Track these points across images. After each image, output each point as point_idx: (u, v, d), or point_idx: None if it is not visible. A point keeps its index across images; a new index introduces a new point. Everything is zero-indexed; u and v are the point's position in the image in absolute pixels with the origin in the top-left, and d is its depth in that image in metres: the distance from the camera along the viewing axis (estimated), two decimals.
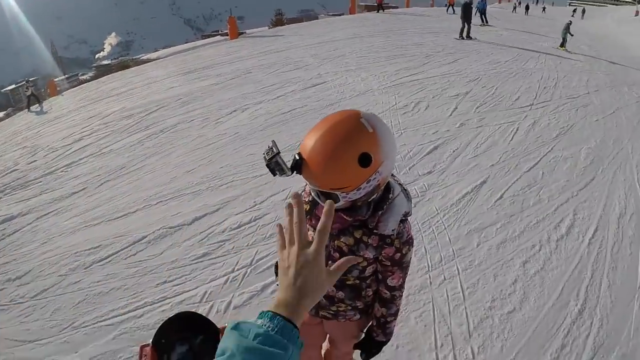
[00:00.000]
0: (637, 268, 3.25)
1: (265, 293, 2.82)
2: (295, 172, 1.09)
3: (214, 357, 0.56)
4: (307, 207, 1.34)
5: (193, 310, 2.56)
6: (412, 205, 1.31)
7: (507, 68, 9.56)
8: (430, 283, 2.93)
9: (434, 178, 4.43)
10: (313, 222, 1.34)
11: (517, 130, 5.84)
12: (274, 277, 2.91)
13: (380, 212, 1.20)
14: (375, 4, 21.44)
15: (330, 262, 1.28)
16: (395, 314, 1.43)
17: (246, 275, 3.00)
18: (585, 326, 2.66)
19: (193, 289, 2.87)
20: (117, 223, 3.81)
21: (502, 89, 7.77)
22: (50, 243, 3.65)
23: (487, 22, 17.35)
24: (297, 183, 4.18)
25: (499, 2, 38.11)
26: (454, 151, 5.07)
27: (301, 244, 0.66)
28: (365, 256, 1.27)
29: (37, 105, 10.83)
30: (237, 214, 3.78)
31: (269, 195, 4.09)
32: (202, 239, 3.43)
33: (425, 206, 3.90)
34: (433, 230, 3.54)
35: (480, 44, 12.75)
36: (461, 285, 2.91)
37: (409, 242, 1.29)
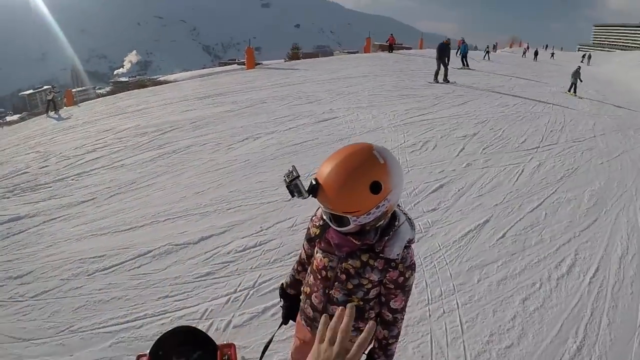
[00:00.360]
0: (637, 307, 3.25)
1: (265, 315, 2.84)
2: (311, 195, 1.21)
3: None
4: (317, 231, 1.47)
5: (193, 325, 2.60)
6: (415, 234, 1.42)
7: (515, 111, 9.73)
8: (430, 315, 2.94)
9: (438, 215, 4.48)
10: (322, 245, 1.45)
11: (522, 171, 5.90)
12: (275, 301, 2.95)
13: (386, 238, 1.31)
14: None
15: (337, 283, 1.41)
16: (397, 337, 1.49)
17: (248, 297, 3.03)
18: None
19: (194, 306, 2.91)
20: (123, 235, 3.89)
21: (509, 132, 7.88)
22: (55, 247, 3.73)
23: (467, 65, 17.34)
24: (304, 213, 4.30)
25: (510, 47, 39.01)
26: (459, 190, 5.13)
27: (340, 351, 0.74)
28: (371, 279, 1.37)
29: (54, 112, 11.10)
30: (243, 238, 3.85)
31: (276, 222, 4.16)
32: (207, 259, 3.49)
33: (428, 242, 3.93)
34: (435, 265, 3.57)
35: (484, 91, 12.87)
36: (460, 319, 2.91)
37: (412, 267, 1.38)
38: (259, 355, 2.45)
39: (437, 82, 12.90)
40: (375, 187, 1.15)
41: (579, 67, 14.42)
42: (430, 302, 3.08)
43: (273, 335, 1.78)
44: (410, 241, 1.37)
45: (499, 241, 4.04)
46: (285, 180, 1.21)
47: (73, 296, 3.03)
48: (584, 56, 18.05)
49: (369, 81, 12.39)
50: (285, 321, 1.81)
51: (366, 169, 1.17)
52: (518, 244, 4.02)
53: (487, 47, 25.61)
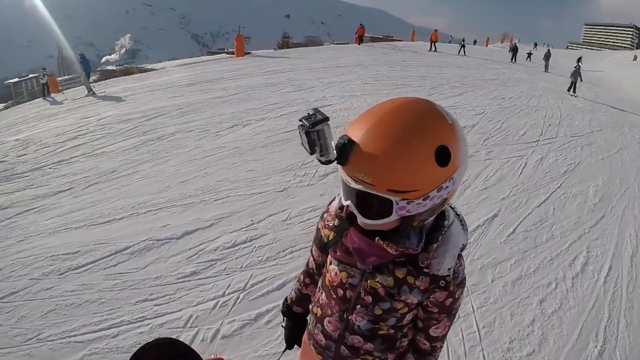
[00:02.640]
0: None
1: (259, 323, 2.49)
2: (338, 160, 0.78)
3: None
4: (330, 234, 1.03)
5: (175, 336, 2.26)
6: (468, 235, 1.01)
7: (511, 104, 9.64)
8: None
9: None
10: (338, 253, 1.04)
11: (525, 164, 5.74)
12: (270, 306, 2.62)
13: (435, 245, 0.91)
14: (381, 37, 22.30)
15: (359, 306, 0.96)
16: None
17: (238, 301, 2.67)
18: None
19: (177, 311, 2.54)
20: (100, 229, 3.51)
21: (508, 124, 7.76)
22: (26, 242, 3.34)
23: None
24: (300, 205, 3.99)
25: (502, 42, 38.61)
26: (463, 182, 4.86)
27: None
28: (408, 301, 0.98)
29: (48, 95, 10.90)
30: (231, 232, 3.48)
31: (268, 214, 3.81)
32: (192, 256, 3.12)
33: None
34: None
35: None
36: (477, 325, 2.63)
37: (463, 284, 1.00)
38: None
39: None
40: (443, 155, 0.76)
41: (579, 66, 14.01)
42: None
43: None
44: (463, 248, 0.96)
45: (509, 237, 3.80)
46: (303, 125, 0.77)
47: (43, 298, 2.65)
48: (579, 60, 17.21)
49: (362, 70, 12.18)
50: (289, 345, 1.42)
51: (431, 126, 0.78)
52: (529, 240, 3.78)
53: (463, 41, 22.95)
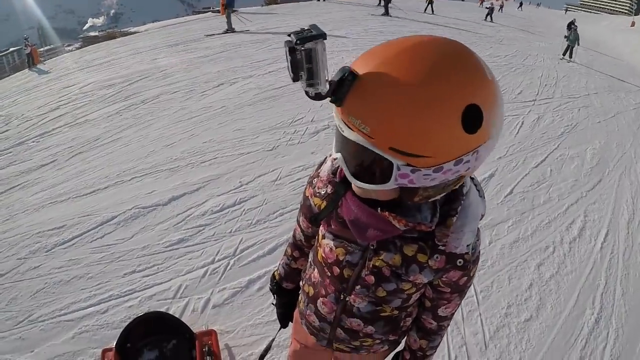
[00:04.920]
0: None
1: (250, 290, 2.40)
2: (332, 96, 0.59)
3: None
4: (322, 203, 0.86)
5: (164, 308, 2.17)
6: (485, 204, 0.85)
7: (507, 62, 9.49)
8: None
9: None
10: (333, 226, 0.88)
11: (522, 124, 5.66)
12: (261, 272, 2.53)
13: (454, 217, 0.75)
14: None
15: (358, 286, 0.90)
16: (437, 347, 1.03)
17: (228, 268, 2.57)
18: (602, 337, 2.45)
19: (166, 282, 2.44)
20: (85, 200, 3.34)
21: (504, 82, 7.64)
22: (12, 221, 3.15)
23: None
24: (290, 163, 3.83)
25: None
26: None
27: None
28: (417, 281, 0.84)
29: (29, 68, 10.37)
30: (219, 195, 3.35)
31: (257, 175, 3.67)
32: (179, 223, 2.99)
33: None
34: None
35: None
36: (474, 288, 2.58)
37: (478, 259, 0.86)
38: (244, 342, 2.07)
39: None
40: (473, 118, 0.57)
41: (575, 26, 12.47)
42: None
43: (271, 342, 1.32)
44: (481, 218, 0.81)
45: (507, 198, 3.75)
46: (289, 40, 0.60)
47: (31, 278, 2.52)
48: (570, 25, 13.41)
49: (352, 25, 11.84)
50: (284, 324, 1.30)
51: (466, 77, 0.58)
52: (527, 202, 3.73)
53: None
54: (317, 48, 0.58)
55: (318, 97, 0.60)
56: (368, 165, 0.64)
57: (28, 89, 7.50)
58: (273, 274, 1.27)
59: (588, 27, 28.53)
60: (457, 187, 0.69)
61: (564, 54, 11.85)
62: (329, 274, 0.93)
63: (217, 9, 19.12)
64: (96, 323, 2.19)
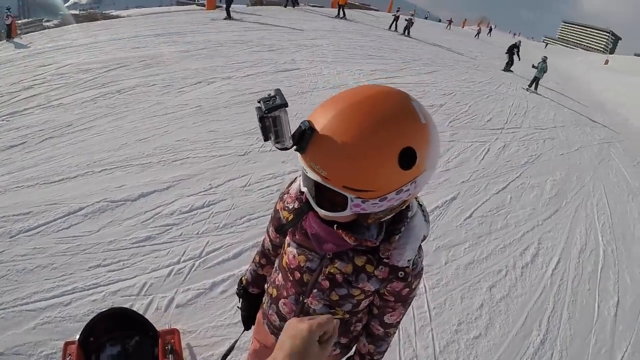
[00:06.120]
0: (594, 304, 3.29)
1: (214, 292, 2.45)
2: (296, 147, 0.73)
3: None
4: (290, 216, 1.01)
5: (129, 304, 2.19)
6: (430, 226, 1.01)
7: (480, 88, 9.81)
8: None
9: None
10: (297, 237, 1.02)
11: (488, 150, 5.88)
12: (225, 275, 2.59)
13: (397, 237, 0.89)
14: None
15: (315, 290, 1.03)
16: (384, 352, 1.16)
17: (193, 269, 2.61)
18: (547, 357, 2.64)
19: (131, 278, 2.45)
20: (53, 188, 3.28)
21: (476, 108, 7.90)
22: None
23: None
24: (260, 170, 3.88)
25: (478, 26, 37.93)
26: None
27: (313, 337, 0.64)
28: (365, 289, 0.98)
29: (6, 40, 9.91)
30: (189, 196, 3.37)
31: (227, 179, 3.71)
32: (147, 220, 2.99)
33: None
34: None
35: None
36: (428, 305, 2.72)
37: (420, 275, 1.01)
38: (206, 342, 2.12)
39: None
40: (407, 158, 0.70)
41: (545, 57, 12.82)
42: None
43: (234, 343, 1.39)
44: (424, 239, 0.97)
45: (466, 221, 3.92)
46: (259, 108, 0.71)
47: None
48: (513, 49, 14.96)
49: (334, 36, 12.02)
50: (247, 326, 1.41)
51: (400, 124, 0.71)
52: (484, 226, 3.92)
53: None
54: (281, 115, 0.71)
55: (284, 149, 0.74)
56: (328, 198, 0.78)
57: (1, 62, 7.23)
58: (240, 278, 1.38)
59: (564, 62, 29.85)
60: (403, 208, 0.84)
61: (529, 85, 12.18)
62: (291, 278, 1.06)
63: (202, 2, 18.91)
64: (59, 315, 2.18)
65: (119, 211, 3.05)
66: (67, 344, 1.86)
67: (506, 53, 15.21)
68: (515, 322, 2.82)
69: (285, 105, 0.70)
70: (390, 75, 8.86)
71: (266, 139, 0.73)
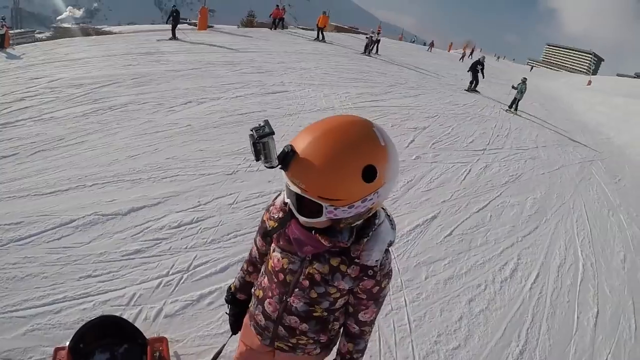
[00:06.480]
0: (573, 315, 3.43)
1: (201, 304, 2.53)
2: (280, 166, 0.92)
3: None
4: (275, 224, 1.18)
5: (118, 314, 2.25)
6: (396, 233, 1.18)
7: (464, 111, 10.08)
8: None
9: (386, 206, 4.37)
10: (281, 242, 1.17)
11: (469, 171, 6.05)
12: (212, 287, 2.67)
13: (365, 240, 1.07)
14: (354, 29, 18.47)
15: (297, 289, 1.17)
16: (363, 351, 1.28)
17: (182, 281, 2.69)
18: None
19: (120, 289, 2.52)
20: (44, 200, 3.34)
21: (458, 130, 8.12)
22: None
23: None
24: (247, 189, 4.02)
25: (464, 50, 38.64)
26: (407, 182, 5.11)
27: None
28: (340, 287, 1.13)
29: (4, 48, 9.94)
30: (178, 212, 3.46)
31: (215, 197, 3.82)
32: (137, 234, 3.07)
33: None
34: None
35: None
36: (408, 318, 2.83)
37: (389, 275, 1.16)
38: (193, 351, 2.20)
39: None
40: (369, 173, 0.89)
41: (525, 79, 13.16)
42: None
43: (222, 347, 1.49)
44: (390, 244, 1.13)
45: (446, 239, 4.04)
46: (252, 135, 0.89)
47: None
48: (476, 66, 14.28)
49: (322, 59, 12.32)
50: (235, 331, 1.52)
51: (362, 148, 0.90)
52: (464, 243, 4.05)
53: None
54: (269, 141, 0.89)
55: (271, 167, 0.92)
56: (307, 206, 0.95)
57: None
58: (229, 286, 1.50)
59: (548, 83, 30.60)
60: (369, 215, 1.03)
61: (509, 106, 12.38)
62: (276, 280, 1.20)
63: (194, 21, 19.23)
64: (49, 322, 2.23)
65: (110, 224, 3.12)
66: (57, 349, 1.91)
67: (469, 71, 14.39)
68: (494, 334, 2.94)
69: (272, 133, 0.89)
70: (376, 98, 9.07)
71: (257, 159, 0.90)
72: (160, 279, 2.66)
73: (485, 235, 4.30)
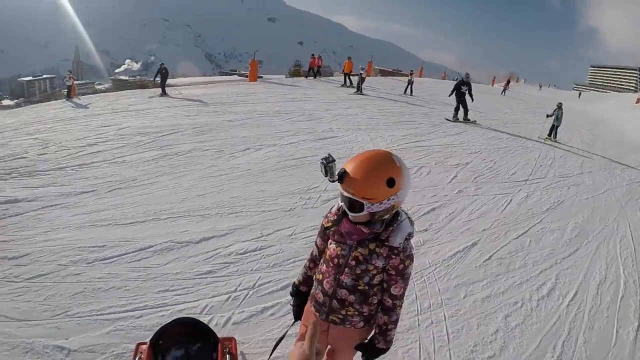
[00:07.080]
0: (612, 329, 3.46)
1: (264, 314, 2.97)
2: (337, 180, 1.46)
3: None
4: (331, 224, 1.68)
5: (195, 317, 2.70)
6: (415, 229, 1.64)
7: (507, 144, 10.10)
8: (419, 325, 3.11)
9: (429, 235, 4.67)
10: (335, 236, 1.65)
11: (510, 201, 6.14)
12: (274, 302, 3.10)
13: (391, 228, 1.55)
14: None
15: (347, 268, 1.62)
16: (396, 322, 1.69)
17: (248, 296, 3.15)
18: None
19: (194, 301, 3.02)
20: (124, 229, 3.98)
21: (501, 163, 8.19)
22: (53, 233, 3.77)
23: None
24: (303, 223, 4.49)
25: (508, 83, 37.92)
26: (449, 214, 5.34)
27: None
28: (376, 265, 1.58)
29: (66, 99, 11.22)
30: (243, 241, 3.97)
31: (276, 229, 4.31)
32: (208, 258, 3.61)
33: (419, 259, 4.06)
34: (424, 280, 3.74)
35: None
36: (447, 330, 3.08)
37: (411, 257, 1.61)
38: (256, 351, 2.62)
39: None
40: (391, 182, 1.43)
41: (560, 104, 12.53)
42: (419, 312, 3.25)
43: (287, 331, 1.92)
44: (410, 235, 1.59)
45: (485, 262, 4.23)
46: (322, 162, 1.46)
47: (71, 282, 3.09)
48: (460, 87, 12.44)
49: (367, 104, 12.84)
50: (297, 317, 1.95)
51: (386, 166, 1.46)
52: (502, 266, 4.22)
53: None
54: (333, 165, 1.48)
55: (333, 181, 1.48)
56: (355, 205, 1.48)
57: (64, 120, 8.34)
58: (293, 282, 1.97)
59: (597, 106, 29.34)
60: (394, 211, 1.55)
61: (548, 135, 11.85)
62: (332, 264, 1.66)
63: (243, 72, 20.84)
64: (130, 324, 2.74)
65: (184, 250, 3.69)
66: (139, 344, 2.29)
67: (449, 96, 12.63)
68: (529, 345, 3.09)
69: (334, 161, 1.47)
70: (421, 139, 9.29)
71: (326, 176, 1.48)
72: (229, 294, 3.15)
73: (524, 259, 4.42)
